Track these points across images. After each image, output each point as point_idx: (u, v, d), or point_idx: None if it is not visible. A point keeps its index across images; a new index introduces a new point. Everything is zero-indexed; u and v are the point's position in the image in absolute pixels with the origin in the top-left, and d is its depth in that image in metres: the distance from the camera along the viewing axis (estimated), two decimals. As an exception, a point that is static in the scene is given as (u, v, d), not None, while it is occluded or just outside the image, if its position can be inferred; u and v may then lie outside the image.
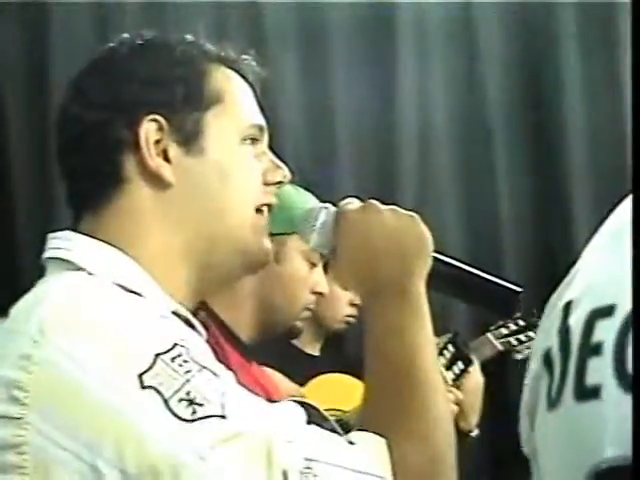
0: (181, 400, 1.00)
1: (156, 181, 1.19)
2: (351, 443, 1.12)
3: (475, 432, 2.50)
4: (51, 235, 1.21)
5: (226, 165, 1.22)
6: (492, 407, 3.30)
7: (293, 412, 1.12)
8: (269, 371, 2.17)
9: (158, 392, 0.99)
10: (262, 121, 1.29)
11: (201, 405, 1.00)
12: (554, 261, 3.43)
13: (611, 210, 0.87)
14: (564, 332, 0.81)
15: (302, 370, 2.61)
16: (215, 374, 1.05)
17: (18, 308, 1.11)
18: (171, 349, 1.03)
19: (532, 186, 3.53)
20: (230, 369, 1.94)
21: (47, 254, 1.19)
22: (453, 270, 1.34)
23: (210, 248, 1.22)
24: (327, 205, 1.33)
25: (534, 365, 0.87)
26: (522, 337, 2.93)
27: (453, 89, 3.49)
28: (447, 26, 3.50)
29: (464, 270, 1.35)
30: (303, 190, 2.13)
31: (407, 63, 3.44)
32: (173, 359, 1.02)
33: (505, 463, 3.24)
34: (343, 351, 3.12)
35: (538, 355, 0.86)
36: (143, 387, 0.99)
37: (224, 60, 1.27)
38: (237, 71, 1.29)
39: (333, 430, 2.06)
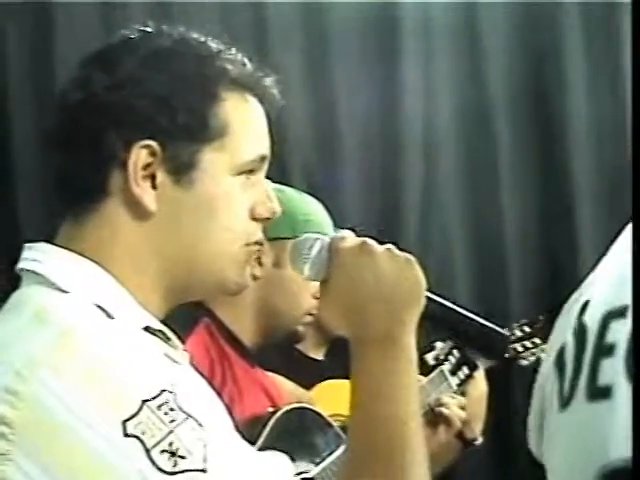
0: (163, 451, 0.97)
1: (137, 206, 1.14)
2: None
3: (479, 440, 2.48)
4: (27, 245, 1.17)
5: (214, 200, 1.17)
6: (497, 413, 3.30)
7: (281, 464, 1.11)
8: (273, 376, 2.16)
9: (141, 441, 0.97)
10: (267, 150, 1.23)
11: (183, 457, 0.98)
12: (559, 267, 3.43)
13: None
14: (579, 331, 0.81)
15: (306, 375, 2.60)
16: (200, 424, 1.01)
17: (1, 333, 1.08)
18: (158, 396, 1.00)
19: (536, 185, 3.51)
20: (233, 374, 1.95)
21: (21, 264, 1.16)
22: (445, 312, 1.34)
23: (186, 275, 1.18)
24: (320, 237, 1.30)
25: (547, 364, 0.87)
26: (528, 343, 2.91)
27: (458, 90, 3.48)
28: (451, 27, 3.49)
29: (456, 312, 1.35)
30: (306, 195, 2.12)
31: (411, 64, 3.43)
32: (159, 407, 0.99)
33: (510, 469, 3.24)
34: (347, 356, 3.11)
35: (552, 354, 0.85)
36: (126, 435, 0.97)
37: (241, 83, 1.20)
38: (254, 95, 1.22)
39: (337, 435, 2.06)
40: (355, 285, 1.23)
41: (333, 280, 1.25)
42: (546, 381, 0.86)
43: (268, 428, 1.92)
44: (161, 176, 1.14)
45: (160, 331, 1.15)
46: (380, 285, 1.22)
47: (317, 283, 2.03)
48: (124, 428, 0.97)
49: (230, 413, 1.89)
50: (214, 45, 1.21)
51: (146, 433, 0.97)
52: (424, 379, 2.36)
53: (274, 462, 1.10)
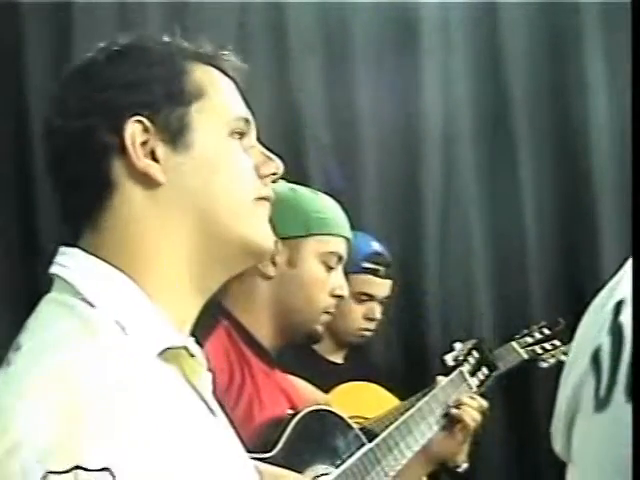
0: None
1: (146, 182, 1.17)
2: None
3: (464, 466, 2.46)
4: (61, 249, 1.19)
5: (215, 159, 1.20)
6: (517, 415, 3.29)
7: None
8: (292, 378, 2.16)
9: None
10: (247, 114, 1.27)
11: None
12: (579, 269, 3.41)
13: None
14: (616, 331, 0.80)
15: (326, 378, 2.60)
16: None
17: (26, 351, 1.08)
18: (100, 470, 0.95)
19: (556, 184, 3.50)
20: (252, 377, 1.95)
21: (54, 269, 1.17)
22: None
23: (210, 244, 1.19)
24: None
25: (578, 366, 0.85)
26: (547, 345, 2.90)
27: (477, 89, 3.48)
28: (471, 28, 3.49)
29: None
30: (322, 194, 2.13)
31: (431, 64, 3.43)
32: None
33: (531, 470, 3.23)
34: (368, 359, 3.11)
35: (586, 353, 0.84)
36: None
37: (203, 57, 1.25)
38: (217, 67, 1.26)
39: (357, 438, 2.06)
40: None
41: None
42: (581, 381, 0.85)
43: (288, 430, 1.92)
44: (160, 149, 1.17)
45: (184, 347, 1.15)
46: None
47: (334, 282, 2.05)
48: None
49: (250, 416, 1.90)
50: (167, 36, 1.27)
51: None
52: (444, 379, 2.35)
53: None
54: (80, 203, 1.20)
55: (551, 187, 3.51)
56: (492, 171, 3.48)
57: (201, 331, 1.89)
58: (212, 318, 1.96)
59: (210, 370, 1.21)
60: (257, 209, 1.23)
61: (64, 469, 0.94)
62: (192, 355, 1.17)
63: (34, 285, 2.67)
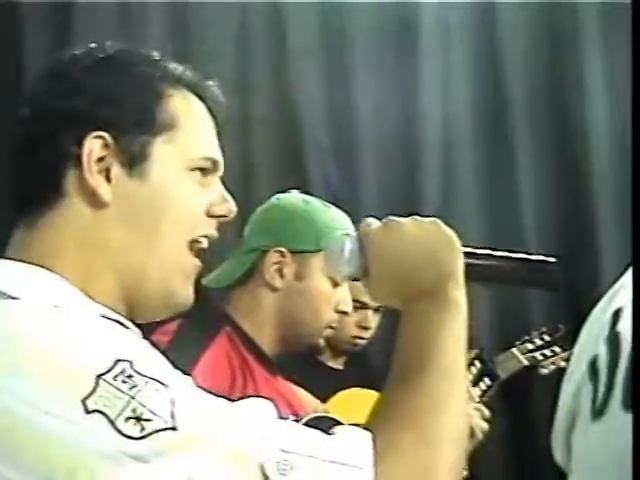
0: (128, 419, 0.97)
1: (92, 199, 1.16)
2: (330, 434, 1.09)
3: (464, 474, 2.45)
4: None
5: (166, 193, 1.19)
6: (517, 422, 3.29)
7: (262, 408, 1.10)
8: (293, 386, 2.16)
9: (104, 414, 0.97)
10: (216, 155, 1.26)
11: (149, 420, 0.98)
12: (579, 274, 3.41)
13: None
14: (613, 339, 0.80)
15: (326, 384, 2.60)
16: (163, 384, 1.02)
17: None
18: (112, 367, 1.00)
19: (554, 186, 3.50)
20: (254, 382, 1.96)
21: None
22: (486, 260, 1.34)
23: (137, 278, 1.19)
24: (348, 232, 1.32)
25: (577, 373, 0.85)
26: (547, 352, 2.91)
27: (476, 90, 3.48)
28: (470, 29, 3.49)
29: (497, 257, 1.35)
30: (333, 207, 2.11)
31: (430, 65, 3.43)
32: (115, 377, 0.99)
33: (531, 477, 3.22)
34: (367, 366, 3.11)
35: (584, 362, 0.84)
36: (88, 412, 0.97)
37: (184, 83, 1.24)
38: (198, 96, 1.26)
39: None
40: (394, 258, 1.25)
41: (374, 264, 1.27)
42: (579, 389, 0.85)
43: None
44: (115, 169, 1.17)
45: (117, 321, 1.15)
46: (417, 250, 1.25)
47: (339, 298, 2.05)
48: (85, 406, 0.97)
49: None
50: (155, 54, 1.26)
51: (107, 405, 0.97)
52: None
53: (256, 406, 1.10)
54: (27, 198, 1.19)
55: (550, 190, 3.50)
56: (491, 174, 3.47)
57: (203, 336, 1.92)
58: (214, 324, 1.96)
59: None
60: (188, 261, 1.23)
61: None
62: (127, 328, 1.17)
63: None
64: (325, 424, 2.01)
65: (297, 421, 1.96)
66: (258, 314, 2.01)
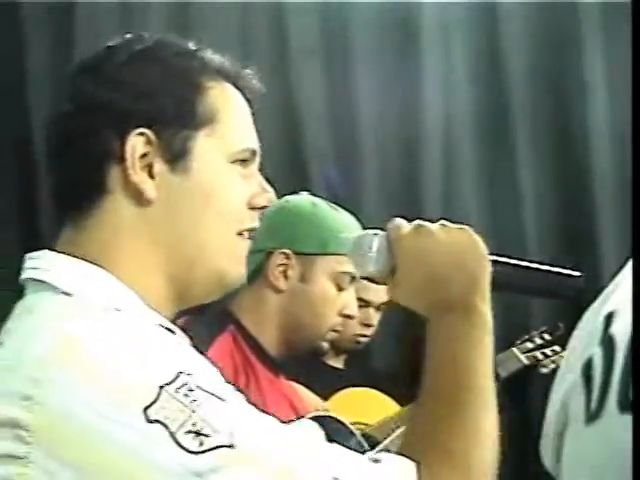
0: (188, 432, 0.98)
1: (138, 196, 1.16)
2: (376, 461, 1.10)
3: None
4: (28, 255, 1.18)
5: (210, 187, 1.19)
6: (516, 422, 3.29)
7: (312, 431, 1.10)
8: (295, 386, 2.16)
9: (164, 426, 0.97)
10: (255, 145, 1.26)
11: (208, 436, 0.98)
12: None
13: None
14: (607, 342, 0.80)
15: (327, 383, 2.60)
16: (222, 399, 1.02)
17: (10, 339, 1.09)
18: (175, 379, 1.00)
19: (555, 185, 3.50)
20: (257, 382, 1.96)
21: (25, 274, 1.16)
22: (512, 269, 1.33)
23: (187, 269, 1.19)
24: (377, 231, 1.32)
25: (570, 376, 0.85)
26: (548, 351, 2.91)
27: (478, 89, 3.48)
28: (471, 28, 3.49)
29: (522, 267, 1.34)
30: (340, 209, 2.11)
31: (431, 64, 3.43)
32: (177, 390, 0.99)
33: (533, 475, 3.22)
34: (368, 365, 3.11)
35: (576, 366, 0.84)
36: (149, 421, 0.97)
37: (223, 74, 1.23)
38: (236, 86, 1.25)
39: (359, 444, 2.06)
40: (423, 264, 1.25)
41: (401, 267, 1.27)
42: (570, 393, 0.85)
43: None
44: (158, 165, 1.16)
45: (170, 330, 1.15)
46: (445, 257, 1.24)
47: (344, 302, 2.04)
48: (146, 415, 0.97)
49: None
50: (192, 44, 1.25)
51: (169, 417, 0.98)
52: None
53: (306, 428, 1.10)
54: (69, 195, 1.19)
55: (551, 188, 3.50)
56: (492, 174, 3.47)
57: (207, 334, 1.92)
58: (219, 322, 1.96)
59: None
60: (238, 244, 1.23)
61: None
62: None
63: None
64: (327, 423, 2.02)
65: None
66: (262, 315, 2.01)
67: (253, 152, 1.25)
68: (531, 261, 1.35)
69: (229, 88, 1.23)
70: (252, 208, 1.24)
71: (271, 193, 1.26)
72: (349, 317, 2.10)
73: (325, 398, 2.46)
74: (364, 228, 2.04)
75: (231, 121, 1.22)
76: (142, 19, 3.08)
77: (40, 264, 1.15)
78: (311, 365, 2.67)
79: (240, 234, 1.23)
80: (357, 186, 3.32)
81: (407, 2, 3.43)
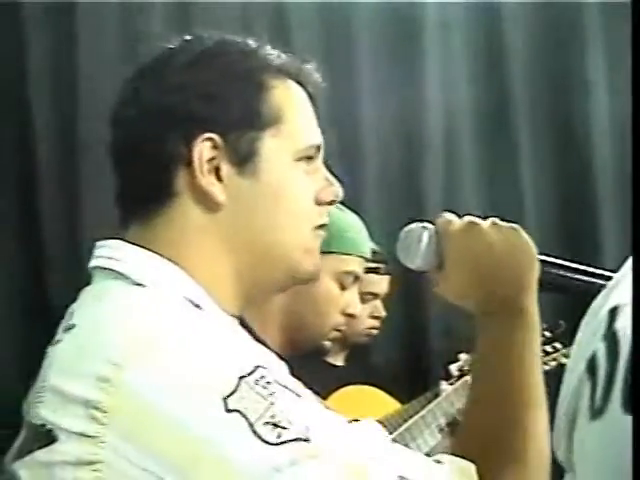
0: (266, 423, 0.99)
1: (206, 199, 1.16)
2: (438, 462, 1.11)
3: None
4: (99, 243, 1.19)
5: (279, 187, 1.19)
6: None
7: (376, 431, 1.11)
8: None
9: (243, 416, 0.98)
10: (319, 140, 1.25)
11: (285, 428, 0.99)
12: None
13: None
14: (610, 337, 0.80)
15: (326, 380, 2.60)
16: (297, 394, 1.04)
17: (85, 322, 1.10)
18: (253, 371, 1.01)
19: (556, 183, 3.51)
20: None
21: (96, 262, 1.17)
22: (560, 270, 1.33)
23: (259, 267, 1.20)
24: (425, 224, 1.31)
25: (576, 372, 0.85)
26: (548, 348, 2.90)
27: (479, 88, 3.48)
28: (472, 27, 3.50)
29: (569, 268, 1.34)
30: (347, 210, 2.11)
31: (433, 63, 3.44)
32: (256, 382, 1.00)
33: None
34: (368, 362, 3.11)
35: (581, 361, 0.84)
36: (228, 410, 0.98)
37: (285, 71, 1.22)
38: (298, 82, 1.24)
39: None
40: (473, 262, 1.25)
41: (450, 263, 1.27)
42: (578, 387, 0.85)
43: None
44: (225, 168, 1.16)
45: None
46: (496, 257, 1.25)
47: (347, 301, 2.04)
48: (225, 404, 0.98)
49: None
50: (252, 42, 1.24)
51: (248, 408, 0.99)
52: (449, 388, 2.35)
53: (370, 428, 1.11)
54: (136, 198, 1.20)
55: (552, 186, 3.51)
56: (493, 171, 3.48)
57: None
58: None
59: None
60: (313, 239, 1.24)
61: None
62: None
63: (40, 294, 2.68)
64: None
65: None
66: (264, 313, 2.00)
67: (318, 147, 1.25)
68: (575, 262, 1.35)
69: (292, 85, 1.23)
70: (319, 204, 1.24)
71: (336, 186, 1.26)
72: (352, 316, 2.10)
73: (325, 396, 2.46)
74: (366, 226, 2.05)
75: (295, 119, 1.22)
76: (142, 19, 3.08)
77: (112, 253, 1.16)
78: (311, 363, 2.67)
79: (312, 231, 1.24)
80: (359, 184, 3.32)
81: (409, 1, 3.43)
